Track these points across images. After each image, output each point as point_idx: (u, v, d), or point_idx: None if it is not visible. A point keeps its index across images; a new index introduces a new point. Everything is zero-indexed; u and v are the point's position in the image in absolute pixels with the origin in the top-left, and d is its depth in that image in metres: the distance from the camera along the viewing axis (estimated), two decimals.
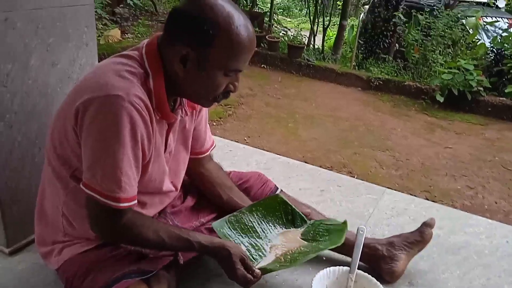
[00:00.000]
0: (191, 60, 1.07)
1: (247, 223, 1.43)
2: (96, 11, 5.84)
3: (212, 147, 1.50)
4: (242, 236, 1.40)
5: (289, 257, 1.36)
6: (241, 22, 1.06)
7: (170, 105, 1.20)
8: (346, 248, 1.50)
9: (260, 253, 1.37)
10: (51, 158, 1.18)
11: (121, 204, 1.07)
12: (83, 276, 1.17)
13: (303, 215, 1.50)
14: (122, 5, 7.15)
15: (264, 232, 1.44)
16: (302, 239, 1.44)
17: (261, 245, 1.40)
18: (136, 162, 1.09)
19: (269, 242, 1.42)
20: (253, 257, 1.34)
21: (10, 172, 1.46)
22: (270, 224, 1.47)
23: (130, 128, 1.04)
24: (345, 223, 1.46)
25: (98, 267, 1.17)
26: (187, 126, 1.32)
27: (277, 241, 1.43)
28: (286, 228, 1.48)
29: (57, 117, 1.16)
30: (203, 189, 1.50)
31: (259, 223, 1.45)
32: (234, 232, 1.39)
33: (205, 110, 1.40)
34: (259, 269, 1.26)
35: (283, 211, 1.50)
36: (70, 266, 1.21)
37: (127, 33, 6.79)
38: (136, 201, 1.12)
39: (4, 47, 1.34)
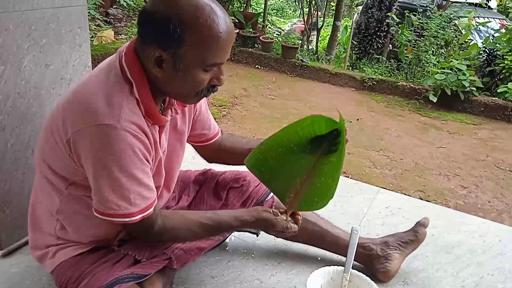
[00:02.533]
0: (166, 62, 1.04)
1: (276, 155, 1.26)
2: (89, 12, 5.81)
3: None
4: (270, 181, 1.31)
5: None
6: (211, 13, 1.00)
7: (160, 106, 1.19)
8: (341, 248, 1.51)
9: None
10: (44, 171, 1.17)
11: (136, 218, 1.08)
12: (77, 281, 1.16)
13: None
14: (115, 6, 7.12)
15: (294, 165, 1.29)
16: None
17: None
18: (147, 175, 1.10)
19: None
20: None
21: (3, 174, 1.45)
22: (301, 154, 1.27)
23: (131, 152, 1.04)
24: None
25: (92, 272, 1.17)
26: (179, 126, 1.31)
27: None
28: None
29: (47, 132, 1.13)
30: (232, 161, 1.51)
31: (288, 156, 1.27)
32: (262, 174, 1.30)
33: (202, 100, 1.39)
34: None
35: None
36: (63, 270, 1.21)
37: (120, 34, 6.76)
38: (152, 209, 1.11)
39: None
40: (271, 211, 1.27)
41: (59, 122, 1.07)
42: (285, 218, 1.29)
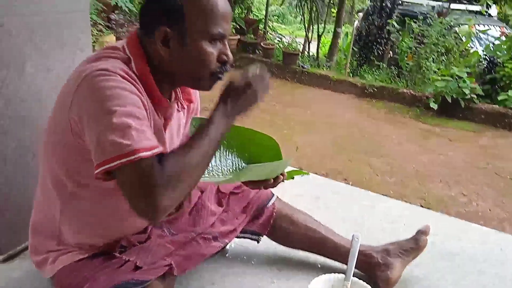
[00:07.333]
0: (172, 39, 1.07)
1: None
2: (91, 17, 5.83)
3: None
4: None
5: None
6: None
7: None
8: (342, 255, 1.51)
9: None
10: (47, 165, 1.16)
11: (143, 154, 0.93)
12: (77, 287, 1.16)
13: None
14: (117, 11, 7.15)
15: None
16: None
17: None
18: (146, 122, 1.01)
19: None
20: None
21: (4, 178, 1.45)
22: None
23: (129, 92, 1.00)
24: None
25: (93, 278, 1.16)
26: (182, 124, 1.31)
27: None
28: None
29: (50, 122, 1.14)
30: None
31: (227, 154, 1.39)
32: None
33: (197, 104, 1.38)
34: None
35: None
36: (64, 275, 1.20)
37: (122, 39, 6.79)
38: (158, 148, 0.97)
39: None
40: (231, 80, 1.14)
41: (61, 101, 1.08)
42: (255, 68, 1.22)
